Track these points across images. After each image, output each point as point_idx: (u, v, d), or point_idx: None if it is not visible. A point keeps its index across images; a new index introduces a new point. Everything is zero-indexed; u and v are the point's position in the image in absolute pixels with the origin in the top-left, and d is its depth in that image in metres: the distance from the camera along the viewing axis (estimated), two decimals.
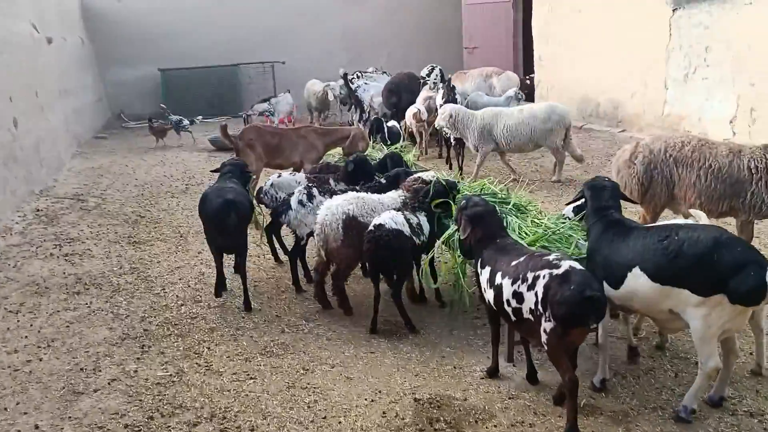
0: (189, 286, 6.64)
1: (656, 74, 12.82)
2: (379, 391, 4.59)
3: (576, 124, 14.66)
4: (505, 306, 4.11)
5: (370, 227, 5.34)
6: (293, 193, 6.31)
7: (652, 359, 4.84)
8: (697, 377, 4.07)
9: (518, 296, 3.99)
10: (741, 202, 5.74)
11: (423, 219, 5.58)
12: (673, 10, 12.26)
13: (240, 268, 6.08)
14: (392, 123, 11.10)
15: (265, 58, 19.38)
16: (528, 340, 4.53)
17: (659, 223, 5.26)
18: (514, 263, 4.12)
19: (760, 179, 5.66)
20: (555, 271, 3.82)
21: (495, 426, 4.14)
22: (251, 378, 4.82)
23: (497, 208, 4.78)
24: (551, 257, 3.98)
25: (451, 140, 10.76)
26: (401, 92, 12.93)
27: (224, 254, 6.24)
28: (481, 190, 6.39)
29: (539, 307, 3.83)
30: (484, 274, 4.38)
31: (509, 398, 4.44)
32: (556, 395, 4.33)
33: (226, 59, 19.14)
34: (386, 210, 5.72)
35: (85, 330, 5.69)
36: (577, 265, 3.88)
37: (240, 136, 8.46)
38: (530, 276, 3.92)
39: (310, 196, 6.20)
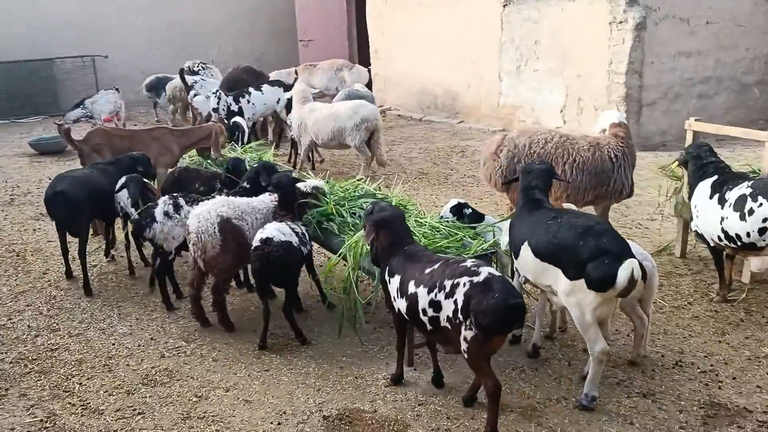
0: (41, 313, 5.93)
1: (490, 67, 13.38)
2: (284, 412, 4.35)
3: (415, 116, 15.05)
4: (421, 315, 4.00)
5: (256, 242, 5.04)
6: (157, 204, 5.83)
7: (544, 350, 5.00)
8: (590, 365, 4.26)
9: (435, 305, 3.90)
10: (605, 190, 6.13)
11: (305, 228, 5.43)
12: (504, 6, 12.85)
13: (79, 254, 6.31)
14: (236, 119, 10.61)
15: (84, 52, 17.85)
16: (434, 346, 4.49)
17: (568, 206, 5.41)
18: (428, 271, 4.02)
19: (620, 166, 6.09)
20: (475, 279, 3.76)
21: None
22: (139, 413, 4.39)
23: (402, 213, 4.64)
24: (468, 264, 3.92)
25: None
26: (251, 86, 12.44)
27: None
28: (355, 189, 6.29)
29: (459, 315, 3.76)
30: (394, 283, 4.25)
31: (419, 405, 4.38)
32: (466, 397, 4.34)
33: (40, 53, 17.41)
34: (258, 213, 5.51)
35: None
36: (495, 272, 3.88)
37: (85, 140, 7.68)
38: (448, 284, 3.84)
39: (177, 207, 5.76)
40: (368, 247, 4.78)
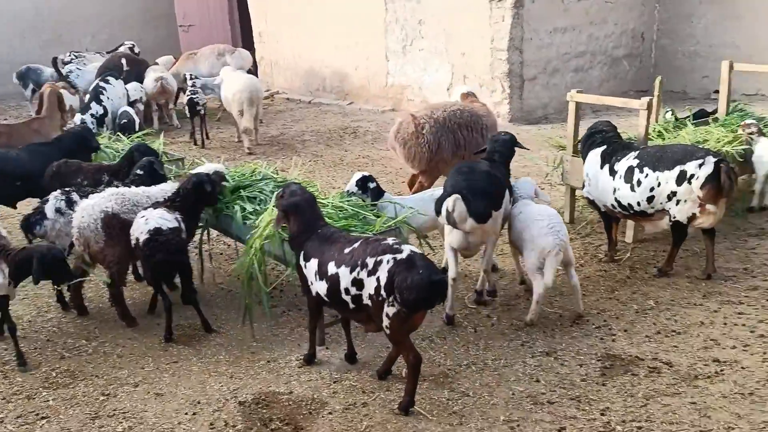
0: None
1: (377, 47, 13.47)
2: (198, 402, 4.29)
3: (305, 99, 14.94)
4: (343, 295, 4.02)
5: (146, 234, 4.87)
6: (47, 200, 5.52)
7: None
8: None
9: (358, 283, 3.93)
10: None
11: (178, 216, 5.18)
12: None
13: None
14: (125, 109, 10.19)
15: None
16: (348, 323, 4.53)
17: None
18: (347, 250, 4.04)
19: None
20: (398, 256, 3.81)
21: (330, 413, 4.11)
22: (43, 418, 4.20)
23: (313, 196, 4.59)
24: (390, 241, 3.96)
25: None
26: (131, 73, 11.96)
27: None
28: (253, 173, 6.22)
29: (382, 292, 3.81)
30: (311, 267, 4.23)
31: (334, 382, 4.43)
32: (381, 371, 4.42)
33: None
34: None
35: None
36: (417, 249, 3.94)
37: None
38: (370, 261, 3.87)
39: (70, 203, 5.47)
40: (278, 232, 4.76)
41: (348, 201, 5.48)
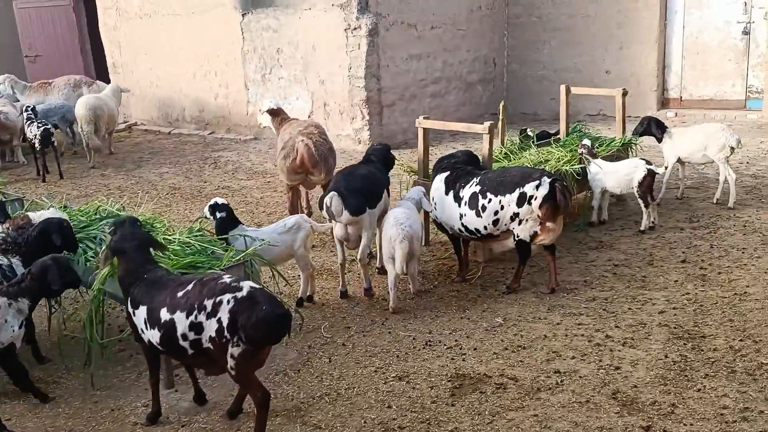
0: None
1: (235, 76, 13.33)
2: None
3: (164, 129, 14.52)
4: (180, 341, 3.82)
5: None
6: None
7: (310, 349, 5.12)
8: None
9: (197, 327, 3.75)
10: None
11: (16, 262, 4.83)
12: (243, 15, 12.85)
13: None
14: None
15: None
16: (192, 366, 4.37)
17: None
18: (181, 294, 3.85)
19: None
20: (239, 294, 3.69)
21: None
22: None
23: (146, 236, 4.39)
24: (226, 279, 3.83)
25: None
26: None
27: None
28: (96, 212, 5.94)
29: (226, 333, 3.67)
30: (140, 315, 4.01)
31: (182, 426, 4.27)
32: (232, 410, 4.30)
33: None
34: None
35: None
36: (256, 285, 3.86)
37: None
38: (209, 303, 3.71)
39: None
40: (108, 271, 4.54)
41: (196, 236, 5.34)
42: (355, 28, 11.36)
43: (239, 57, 13.15)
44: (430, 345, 5.14)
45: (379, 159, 6.48)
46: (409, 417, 4.26)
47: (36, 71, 16.21)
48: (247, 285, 3.79)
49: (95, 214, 5.89)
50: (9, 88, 12.81)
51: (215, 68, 13.64)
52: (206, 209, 5.57)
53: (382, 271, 6.16)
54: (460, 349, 5.08)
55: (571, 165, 7.19)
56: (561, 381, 4.57)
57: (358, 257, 5.97)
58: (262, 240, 5.44)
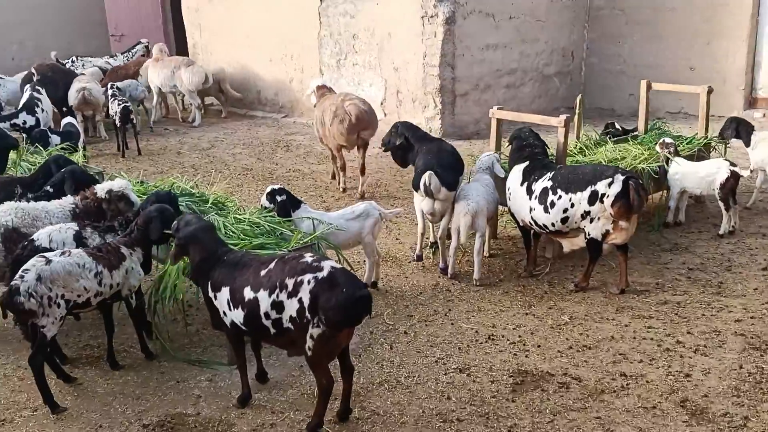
0: None
1: (311, 61, 13.43)
2: (100, 426, 4.15)
3: (239, 111, 14.76)
4: (263, 320, 3.83)
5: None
6: None
7: (369, 334, 5.13)
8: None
9: (278, 306, 3.75)
10: None
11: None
12: (321, 0, 12.93)
13: None
14: (68, 120, 9.79)
15: None
16: (258, 343, 4.42)
17: None
18: (263, 272, 3.86)
19: None
20: (319, 275, 3.66)
21: None
22: None
23: (214, 223, 4.46)
24: (308, 259, 3.81)
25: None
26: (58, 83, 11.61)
27: None
28: (172, 188, 6.09)
29: (307, 314, 3.65)
30: (222, 296, 4.04)
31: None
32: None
33: None
34: (53, 218, 5.14)
35: None
36: (337, 264, 3.82)
37: None
38: (290, 282, 3.70)
39: None
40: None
41: (265, 216, 5.41)
42: (432, 16, 11.27)
43: (315, 42, 13.23)
44: (492, 339, 5.07)
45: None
46: (468, 410, 4.21)
47: (119, 50, 16.71)
48: (328, 265, 3.75)
49: (171, 188, 6.03)
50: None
51: (291, 52, 13.77)
52: (263, 199, 5.62)
53: (419, 259, 6.42)
54: (524, 345, 4.99)
55: (648, 163, 6.95)
56: (627, 384, 4.43)
57: (439, 234, 6.34)
58: (330, 224, 5.47)
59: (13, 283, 4.12)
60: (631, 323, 5.24)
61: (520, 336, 5.11)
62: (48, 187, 5.69)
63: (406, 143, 6.70)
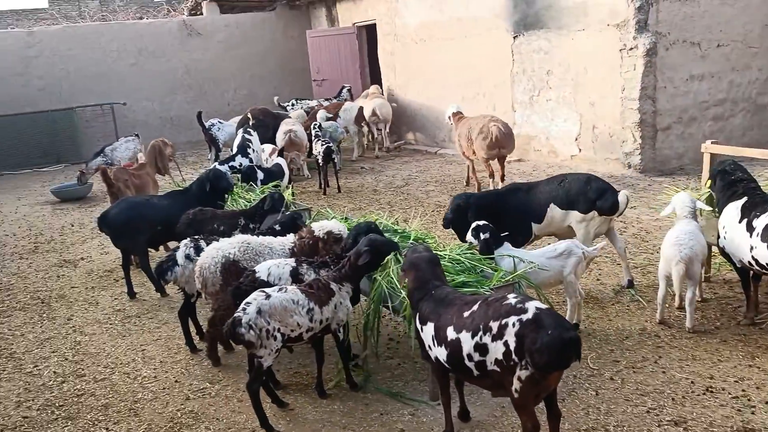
0: (66, 359, 5.97)
1: (503, 98, 13.46)
2: None
3: (430, 149, 15.10)
4: (466, 361, 3.82)
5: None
6: (179, 247, 5.87)
7: (572, 378, 4.94)
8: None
9: (482, 348, 3.72)
10: None
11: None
12: (514, 37, 12.96)
13: None
14: (276, 160, 10.65)
15: (103, 100, 18.20)
16: (462, 380, 4.41)
17: None
18: (467, 314, 3.86)
19: None
20: (524, 317, 3.60)
21: None
22: None
23: (434, 255, 4.53)
24: (512, 301, 3.75)
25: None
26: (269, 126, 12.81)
27: None
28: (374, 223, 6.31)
29: (514, 356, 3.60)
30: (428, 331, 4.09)
31: None
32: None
33: (60, 103, 17.82)
34: (274, 255, 5.49)
35: None
36: (542, 305, 3.73)
37: (116, 178, 8.93)
38: (494, 325, 3.67)
39: (198, 250, 5.78)
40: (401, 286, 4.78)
41: (465, 253, 5.43)
42: (631, 48, 10.86)
43: (508, 79, 13.26)
44: (711, 391, 4.67)
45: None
46: None
47: (320, 94, 17.83)
48: (532, 306, 3.66)
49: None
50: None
51: (483, 90, 13.90)
52: (469, 234, 5.64)
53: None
54: (749, 400, 4.54)
55: None
56: None
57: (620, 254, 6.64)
58: (532, 263, 5.38)
59: (236, 315, 4.45)
60: None
61: (743, 390, 4.66)
62: (277, 226, 6.12)
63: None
